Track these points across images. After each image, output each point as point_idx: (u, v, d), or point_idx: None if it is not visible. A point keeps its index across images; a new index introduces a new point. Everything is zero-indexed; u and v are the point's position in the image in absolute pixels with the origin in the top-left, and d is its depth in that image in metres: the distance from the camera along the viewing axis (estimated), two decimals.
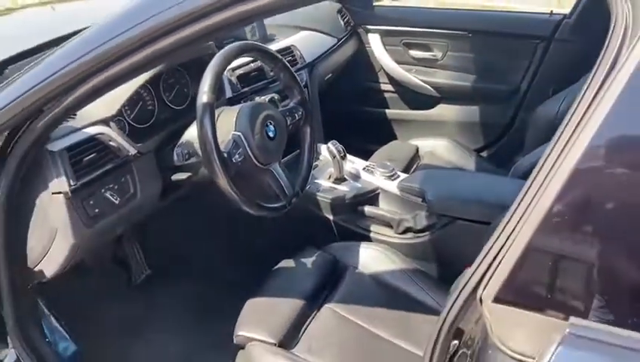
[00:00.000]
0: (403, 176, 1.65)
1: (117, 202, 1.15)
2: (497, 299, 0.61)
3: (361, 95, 2.43)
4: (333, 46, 2.14)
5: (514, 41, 2.09)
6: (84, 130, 1.10)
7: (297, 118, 1.33)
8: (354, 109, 2.43)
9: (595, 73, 0.58)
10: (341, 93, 2.34)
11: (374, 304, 1.29)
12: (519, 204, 0.60)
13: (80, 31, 0.99)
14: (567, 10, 2.05)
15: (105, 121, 1.14)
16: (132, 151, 1.17)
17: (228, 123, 1.16)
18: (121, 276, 1.72)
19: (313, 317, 1.26)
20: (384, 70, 2.36)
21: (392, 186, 1.59)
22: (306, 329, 1.23)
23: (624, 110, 0.56)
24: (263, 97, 1.34)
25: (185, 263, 1.79)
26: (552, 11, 2.02)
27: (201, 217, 1.74)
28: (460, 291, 0.65)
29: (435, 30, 2.22)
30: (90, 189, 1.10)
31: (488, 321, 0.62)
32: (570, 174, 0.56)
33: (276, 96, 1.35)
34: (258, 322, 1.22)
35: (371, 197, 1.59)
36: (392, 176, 1.63)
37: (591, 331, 0.56)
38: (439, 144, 2.02)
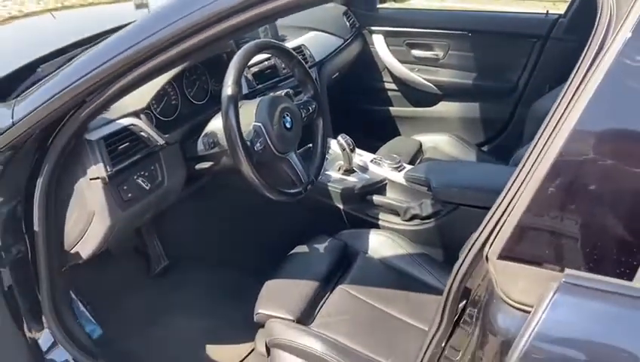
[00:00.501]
0: (409, 167, 1.73)
1: (147, 188, 1.23)
2: (501, 256, 0.68)
3: (366, 93, 2.50)
4: (340, 46, 2.22)
5: (512, 41, 2.17)
6: (118, 122, 1.18)
7: (311, 110, 1.42)
8: (360, 107, 2.50)
9: (580, 63, 0.66)
10: (347, 91, 2.41)
11: (384, 285, 1.37)
12: (519, 171, 0.69)
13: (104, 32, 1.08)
14: (561, 11, 2.13)
15: (136, 114, 1.22)
16: (160, 141, 1.25)
17: (249, 114, 1.24)
18: (141, 266, 1.80)
19: (327, 297, 1.34)
20: (388, 69, 2.43)
21: (399, 177, 1.67)
22: (321, 307, 1.31)
23: (607, 94, 0.62)
24: (279, 92, 1.42)
25: (201, 253, 1.86)
26: (547, 11, 2.10)
27: (216, 210, 1.81)
28: (469, 251, 0.73)
29: (436, 31, 2.29)
30: (123, 175, 1.18)
31: (494, 276, 0.70)
32: (565, 143, 0.64)
33: (291, 91, 1.44)
34: (276, 301, 1.30)
35: (379, 187, 1.67)
36: (399, 167, 1.71)
37: (583, 280, 0.63)
38: (442, 139, 2.10)
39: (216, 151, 1.29)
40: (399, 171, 1.70)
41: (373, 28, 2.40)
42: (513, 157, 1.64)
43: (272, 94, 1.37)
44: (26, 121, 1.01)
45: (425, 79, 2.37)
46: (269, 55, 1.68)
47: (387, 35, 2.38)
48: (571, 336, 0.63)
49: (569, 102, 0.66)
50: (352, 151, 1.67)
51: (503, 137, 2.30)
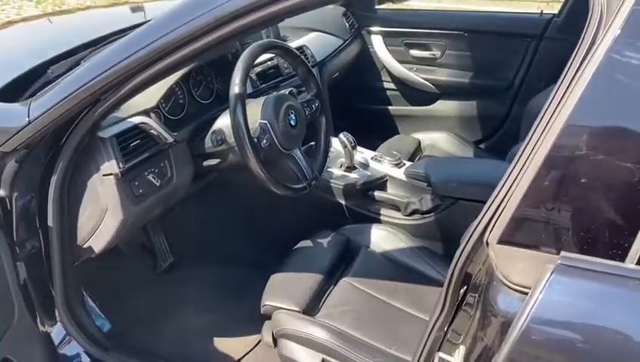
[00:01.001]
0: (408, 164, 1.78)
1: (158, 184, 1.27)
2: (501, 241, 0.72)
3: (365, 92, 2.54)
4: (340, 47, 2.26)
5: (507, 40, 2.21)
6: (129, 120, 1.22)
7: (314, 108, 1.46)
8: (359, 106, 2.54)
9: (572, 60, 0.70)
10: (347, 90, 2.44)
11: (386, 278, 1.41)
12: (516, 162, 0.73)
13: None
14: (555, 10, 2.18)
15: (146, 112, 1.26)
16: (169, 139, 1.29)
17: (255, 112, 1.28)
18: (147, 263, 1.84)
19: (332, 289, 1.38)
20: (386, 69, 2.47)
21: (399, 173, 1.72)
22: (325, 299, 1.35)
23: (597, 90, 0.66)
24: (283, 90, 1.47)
25: (207, 251, 1.89)
26: (542, 11, 2.15)
27: (221, 208, 1.85)
28: (470, 237, 0.78)
29: (433, 31, 2.33)
30: (135, 172, 1.22)
31: (494, 260, 0.74)
32: (558, 136, 0.68)
33: (294, 90, 1.48)
34: (283, 293, 1.34)
35: (380, 183, 1.71)
36: (399, 163, 1.76)
37: (578, 261, 0.67)
38: (440, 137, 2.14)
39: (223, 148, 1.33)
40: (399, 168, 1.75)
41: (371, 28, 2.44)
42: (509, 154, 1.68)
43: (276, 93, 1.41)
44: (42, 120, 1.04)
45: (423, 78, 2.41)
46: (272, 56, 1.72)
47: (385, 35, 2.42)
48: (567, 314, 0.67)
49: (561, 98, 0.70)
50: (354, 148, 1.72)
51: (499, 134, 2.34)
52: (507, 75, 2.25)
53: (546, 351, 0.67)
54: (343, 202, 1.71)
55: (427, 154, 2.07)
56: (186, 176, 1.40)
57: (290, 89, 1.46)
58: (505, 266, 0.73)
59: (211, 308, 1.70)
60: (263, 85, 1.69)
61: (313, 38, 2.14)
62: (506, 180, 0.75)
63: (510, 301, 0.72)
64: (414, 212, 1.64)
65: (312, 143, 1.56)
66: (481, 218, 0.77)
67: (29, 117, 1.05)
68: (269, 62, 1.74)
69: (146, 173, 1.25)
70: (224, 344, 1.56)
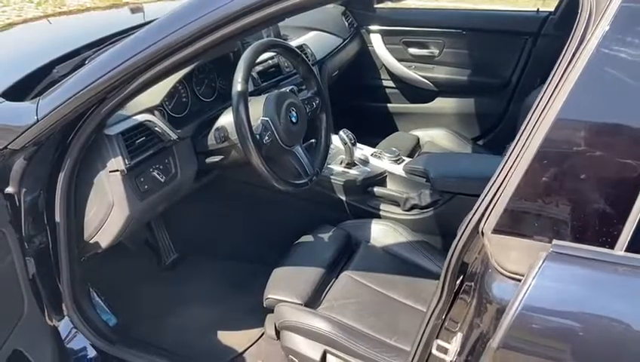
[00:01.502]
0: (407, 160, 1.81)
1: (162, 180, 1.30)
2: (495, 230, 0.75)
3: (365, 91, 2.56)
4: (339, 45, 2.28)
5: (504, 38, 2.23)
6: (134, 118, 1.25)
7: (315, 106, 1.49)
8: (359, 104, 2.57)
9: (563, 55, 0.73)
10: (347, 89, 2.47)
11: (386, 271, 1.44)
12: (510, 155, 0.76)
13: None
14: (552, 8, 2.20)
15: (150, 110, 1.29)
16: (173, 136, 1.32)
17: (257, 110, 1.31)
18: (152, 259, 1.86)
19: (333, 283, 1.41)
20: (385, 67, 2.50)
21: (398, 169, 1.75)
22: (327, 292, 1.38)
23: (587, 84, 0.69)
24: (284, 88, 1.49)
25: (210, 247, 1.92)
26: (538, 9, 2.17)
27: (224, 204, 1.87)
28: (465, 227, 0.81)
29: (431, 29, 2.36)
30: (140, 168, 1.25)
31: (488, 249, 0.77)
32: (550, 130, 0.71)
33: (295, 88, 1.51)
34: (285, 286, 1.37)
35: (380, 179, 1.74)
36: (398, 160, 1.79)
37: (570, 249, 0.69)
38: (438, 134, 2.17)
39: (226, 145, 1.36)
40: (398, 163, 1.78)
41: (370, 27, 2.47)
42: (506, 150, 1.71)
43: (277, 91, 1.44)
44: (49, 118, 1.07)
45: (421, 76, 2.43)
46: (273, 54, 1.75)
47: (384, 34, 2.45)
48: (559, 300, 0.70)
49: (552, 93, 0.73)
50: (354, 145, 1.75)
51: (497, 131, 2.36)
52: (504, 72, 2.28)
53: (538, 335, 0.70)
54: (343, 198, 1.73)
55: (426, 151, 2.10)
56: (190, 172, 1.42)
57: (291, 87, 1.49)
58: (499, 255, 0.76)
59: (215, 302, 1.73)
60: (265, 83, 1.72)
61: (313, 36, 2.17)
62: (500, 172, 0.77)
63: (505, 288, 0.75)
64: (413, 207, 1.67)
65: (313, 140, 1.59)
66: (477, 208, 0.80)
67: (37, 115, 1.07)
68: (269, 61, 1.77)
69: (150, 170, 1.28)
70: (228, 337, 1.59)
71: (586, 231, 0.71)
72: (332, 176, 1.73)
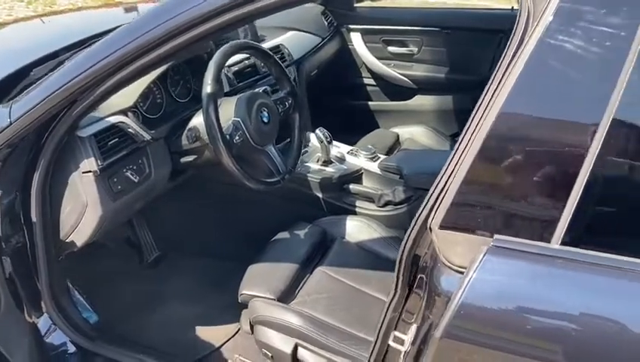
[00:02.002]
0: (383, 157, 1.84)
1: (136, 180, 1.33)
2: (442, 226, 0.78)
3: (345, 89, 2.58)
4: (318, 44, 2.31)
5: (480, 35, 2.26)
6: (107, 119, 1.28)
7: (287, 106, 1.52)
8: (339, 102, 2.59)
9: (505, 52, 0.76)
10: (327, 87, 2.49)
11: (359, 266, 1.47)
12: (455, 151, 0.79)
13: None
14: None
15: (123, 112, 1.31)
16: (147, 137, 1.34)
17: (228, 110, 1.34)
18: (133, 257, 1.89)
19: (307, 278, 1.44)
20: (365, 65, 2.52)
21: (374, 166, 1.78)
22: (301, 287, 1.41)
23: (530, 78, 0.71)
24: (257, 89, 1.52)
25: (190, 245, 1.95)
26: (512, 7, 2.20)
27: (202, 203, 1.90)
28: (415, 223, 0.84)
29: (410, 28, 2.38)
30: (113, 169, 1.28)
31: (436, 244, 0.80)
32: (496, 119, 0.73)
33: (269, 88, 1.54)
34: (259, 282, 1.39)
35: (355, 176, 1.77)
36: (374, 157, 1.82)
37: (509, 243, 0.72)
38: (417, 131, 2.21)
39: (198, 145, 1.39)
40: (374, 161, 1.81)
41: (350, 26, 2.49)
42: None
43: (250, 91, 1.46)
44: (22, 120, 1.09)
45: (400, 74, 2.46)
46: (248, 55, 1.77)
47: (364, 32, 2.47)
48: (499, 291, 0.73)
49: (496, 88, 0.75)
50: (330, 143, 1.77)
51: None
52: (481, 69, 2.29)
53: (479, 325, 0.73)
54: (319, 195, 1.76)
55: (405, 148, 2.13)
56: (164, 172, 1.45)
57: (264, 87, 1.52)
58: (446, 249, 0.79)
59: (194, 299, 1.76)
60: (240, 84, 1.75)
61: (291, 36, 2.19)
62: (447, 167, 0.80)
63: (451, 281, 0.77)
64: (387, 203, 1.70)
65: (289, 139, 1.62)
66: (425, 204, 0.83)
67: (10, 118, 1.10)
68: (245, 62, 1.80)
69: (124, 170, 1.31)
70: (206, 333, 1.62)
71: (525, 226, 0.74)
72: (309, 174, 1.76)
